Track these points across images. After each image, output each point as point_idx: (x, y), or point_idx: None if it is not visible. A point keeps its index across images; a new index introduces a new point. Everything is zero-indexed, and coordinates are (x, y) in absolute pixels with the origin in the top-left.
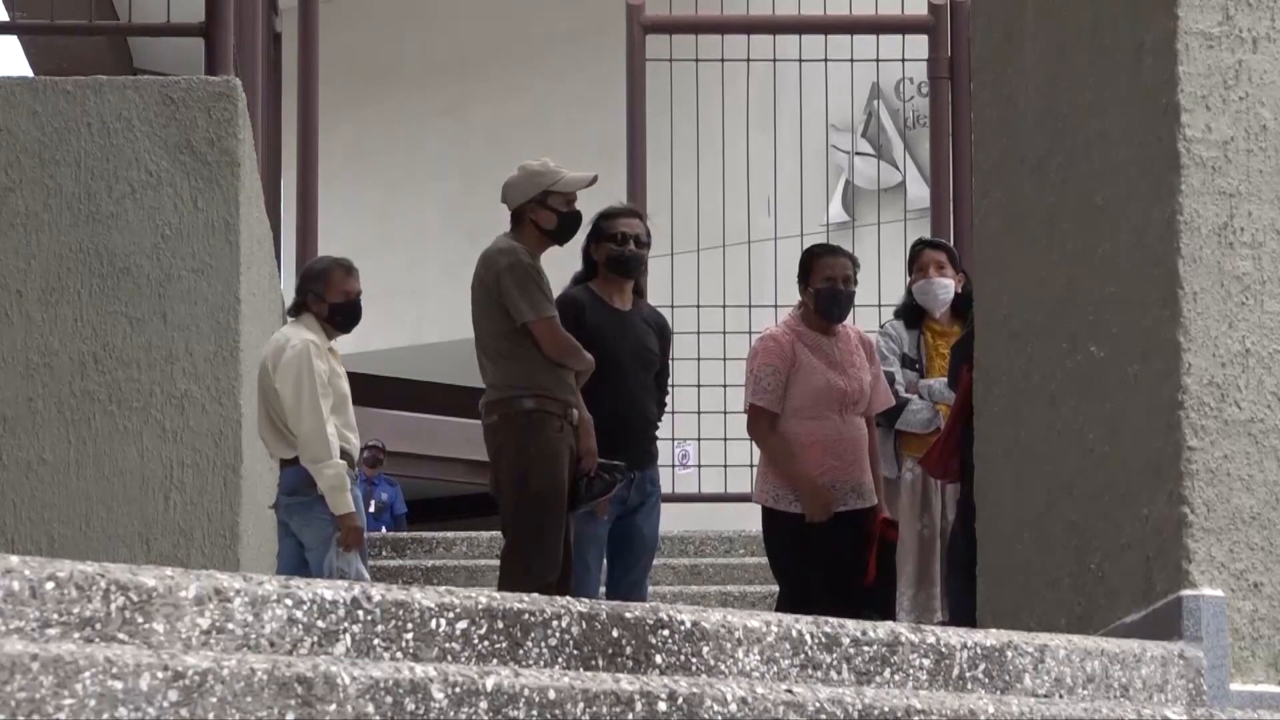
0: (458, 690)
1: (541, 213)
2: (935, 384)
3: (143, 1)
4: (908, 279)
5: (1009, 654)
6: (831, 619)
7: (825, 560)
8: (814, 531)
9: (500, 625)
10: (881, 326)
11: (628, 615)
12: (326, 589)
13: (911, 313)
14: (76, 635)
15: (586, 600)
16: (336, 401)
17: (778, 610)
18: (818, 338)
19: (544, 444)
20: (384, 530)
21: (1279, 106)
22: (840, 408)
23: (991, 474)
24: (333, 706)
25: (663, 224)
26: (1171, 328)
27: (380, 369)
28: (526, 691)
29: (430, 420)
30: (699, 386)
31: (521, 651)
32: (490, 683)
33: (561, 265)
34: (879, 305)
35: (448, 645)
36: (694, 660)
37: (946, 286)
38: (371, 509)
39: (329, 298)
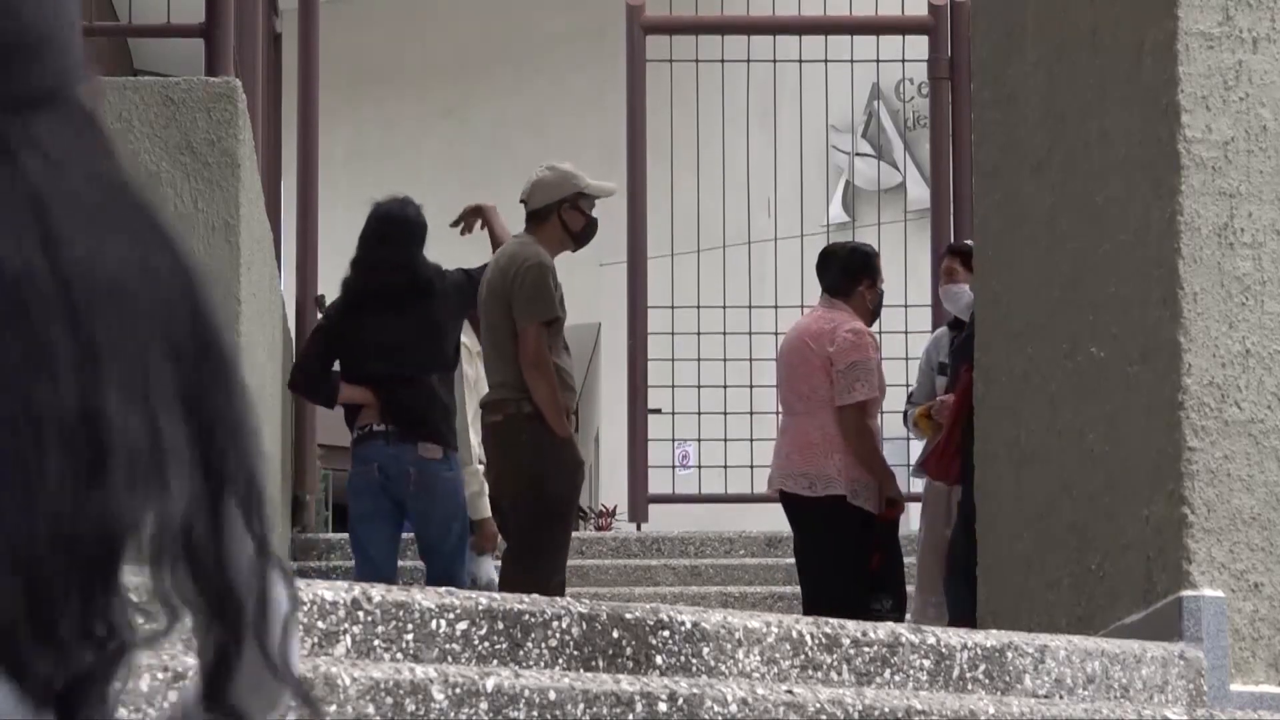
0: (458, 691)
1: (572, 214)
2: None
3: (143, 1)
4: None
5: (1009, 655)
6: (831, 620)
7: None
8: (874, 529)
9: (500, 626)
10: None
11: (628, 616)
12: (326, 589)
13: (955, 318)
14: None
15: (586, 601)
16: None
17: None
18: None
19: (566, 449)
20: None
21: (1279, 107)
22: (879, 407)
23: (991, 474)
24: (333, 707)
25: (663, 224)
26: (1171, 328)
27: None
28: (527, 692)
29: None
30: (699, 387)
31: (522, 652)
32: (490, 683)
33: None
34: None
35: (448, 646)
36: (694, 661)
37: (958, 292)
38: None
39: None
